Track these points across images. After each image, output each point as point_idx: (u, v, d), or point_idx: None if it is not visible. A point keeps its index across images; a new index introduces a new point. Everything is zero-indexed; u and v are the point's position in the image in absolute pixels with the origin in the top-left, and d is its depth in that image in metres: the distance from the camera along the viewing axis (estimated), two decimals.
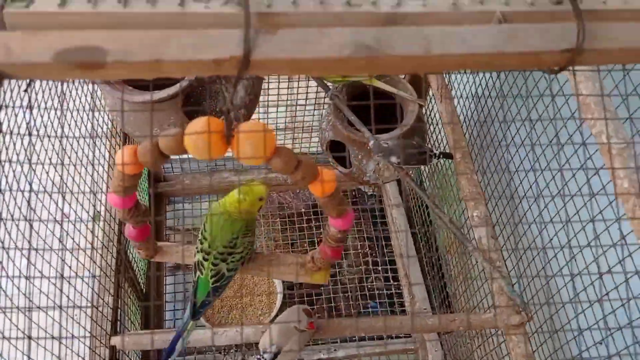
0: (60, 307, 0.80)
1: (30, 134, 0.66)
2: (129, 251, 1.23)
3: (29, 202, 0.68)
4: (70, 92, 0.90)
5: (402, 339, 1.44)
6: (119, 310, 1.07)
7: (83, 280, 0.87)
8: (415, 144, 1.10)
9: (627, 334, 0.69)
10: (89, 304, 0.94)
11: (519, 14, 0.47)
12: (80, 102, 0.97)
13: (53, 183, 0.82)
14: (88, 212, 0.94)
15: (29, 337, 0.58)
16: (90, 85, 0.99)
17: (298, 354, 0.95)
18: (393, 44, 0.45)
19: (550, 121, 0.88)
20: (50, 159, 0.80)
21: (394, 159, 1.10)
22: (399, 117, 1.20)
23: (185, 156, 1.03)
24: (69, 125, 0.96)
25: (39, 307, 0.76)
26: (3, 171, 0.67)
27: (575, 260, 0.79)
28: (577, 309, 0.78)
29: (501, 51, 0.46)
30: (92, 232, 0.93)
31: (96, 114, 1.07)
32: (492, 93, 1.14)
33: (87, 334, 0.95)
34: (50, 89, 0.83)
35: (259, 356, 0.94)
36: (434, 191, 1.55)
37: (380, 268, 1.54)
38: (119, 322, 1.06)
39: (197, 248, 0.80)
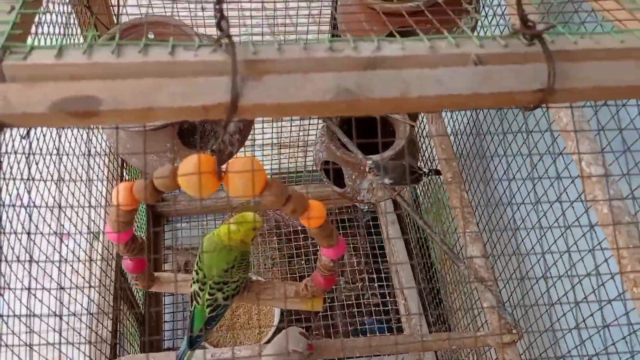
0: (60, 332, 0.82)
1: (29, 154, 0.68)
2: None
3: (28, 234, 0.70)
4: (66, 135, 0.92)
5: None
6: (118, 333, 1.09)
7: (82, 306, 0.89)
8: (406, 165, 1.13)
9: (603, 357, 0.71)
10: (88, 329, 0.96)
11: (494, 55, 0.49)
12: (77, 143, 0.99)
13: (52, 216, 0.84)
14: (87, 240, 0.96)
15: None
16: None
17: None
18: (373, 88, 0.47)
19: (528, 133, 0.90)
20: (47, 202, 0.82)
21: (386, 180, 1.12)
22: (391, 135, 1.22)
23: None
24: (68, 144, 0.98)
25: (39, 335, 0.78)
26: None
27: (555, 287, 0.81)
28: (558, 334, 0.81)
29: (476, 92, 0.48)
30: (90, 258, 0.95)
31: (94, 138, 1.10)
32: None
33: (87, 359, 0.96)
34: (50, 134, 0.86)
35: None
36: (428, 206, 1.57)
37: (376, 284, 1.56)
38: (118, 345, 1.08)
39: (193, 279, 0.81)
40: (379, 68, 0.49)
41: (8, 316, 0.77)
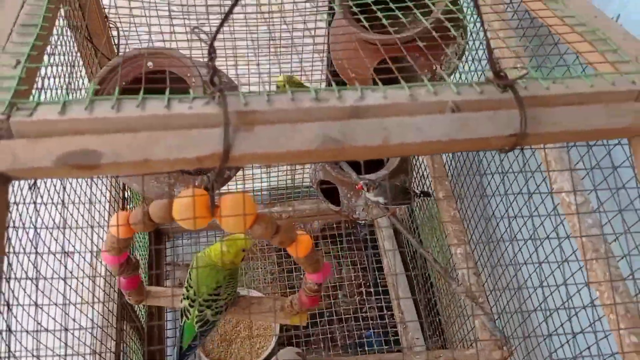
0: (65, 356, 0.85)
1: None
2: None
3: (34, 265, 0.73)
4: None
5: None
6: (122, 353, 1.12)
7: (85, 330, 0.92)
8: (399, 185, 1.16)
9: None
10: (92, 351, 0.99)
11: (470, 102, 0.53)
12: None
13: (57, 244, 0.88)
14: (90, 266, 0.99)
15: None
16: None
17: None
18: (356, 136, 0.50)
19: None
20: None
21: (380, 200, 1.16)
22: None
23: None
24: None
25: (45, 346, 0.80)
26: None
27: (547, 301, 0.84)
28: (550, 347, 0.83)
29: (454, 139, 0.51)
30: (93, 281, 0.98)
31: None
32: None
33: None
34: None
35: None
36: (423, 221, 1.60)
37: (373, 298, 1.59)
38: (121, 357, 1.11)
39: (183, 295, 0.85)
40: (362, 117, 0.52)
41: (16, 331, 0.80)
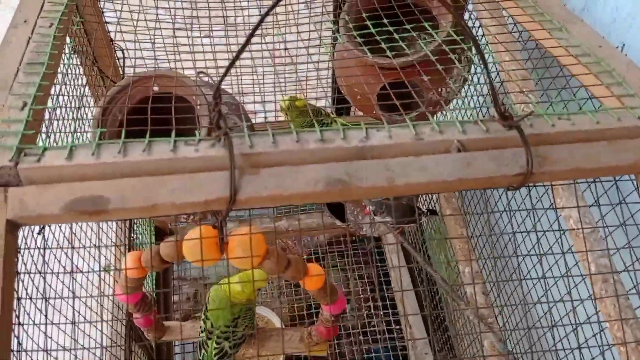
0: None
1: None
2: None
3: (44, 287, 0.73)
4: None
5: None
6: None
7: (95, 355, 0.93)
8: (405, 204, 1.16)
9: None
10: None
11: (475, 141, 0.53)
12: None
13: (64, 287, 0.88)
14: (95, 285, 1.00)
15: None
16: None
17: None
18: (362, 177, 0.50)
19: None
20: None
21: (387, 219, 1.16)
22: None
23: None
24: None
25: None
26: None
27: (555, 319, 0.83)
28: None
29: (459, 178, 0.51)
30: (100, 304, 0.99)
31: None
32: None
33: None
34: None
35: None
36: (431, 234, 1.60)
37: (381, 312, 1.59)
38: None
39: (200, 327, 0.85)
40: (367, 157, 0.52)
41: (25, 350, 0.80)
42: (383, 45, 0.79)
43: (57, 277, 0.54)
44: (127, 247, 1.23)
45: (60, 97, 0.64)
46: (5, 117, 0.53)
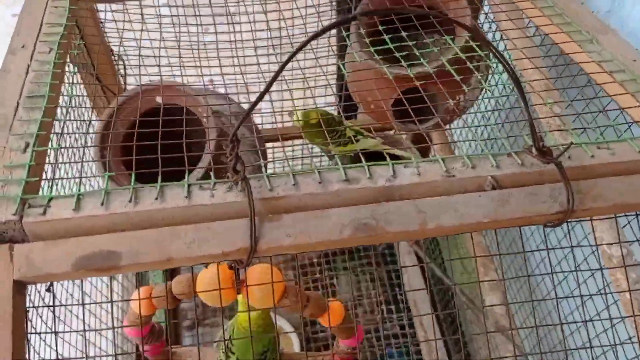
0: None
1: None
2: None
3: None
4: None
5: None
6: None
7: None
8: None
9: None
10: None
11: (509, 176, 0.49)
12: None
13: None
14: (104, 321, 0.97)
15: None
16: None
17: None
18: (390, 221, 0.47)
19: None
20: None
21: None
22: None
23: None
24: None
25: None
26: None
27: None
28: None
29: (494, 219, 0.48)
30: (106, 336, 0.96)
31: None
32: None
33: None
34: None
35: None
36: (447, 241, 1.56)
37: (394, 315, 1.57)
38: None
39: None
40: (395, 197, 0.48)
41: None
42: (397, 54, 0.75)
43: (69, 334, 0.51)
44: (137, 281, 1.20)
45: (64, 128, 0.60)
46: (7, 162, 0.50)
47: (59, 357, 0.50)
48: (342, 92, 1.46)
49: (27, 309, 0.45)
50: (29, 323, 0.45)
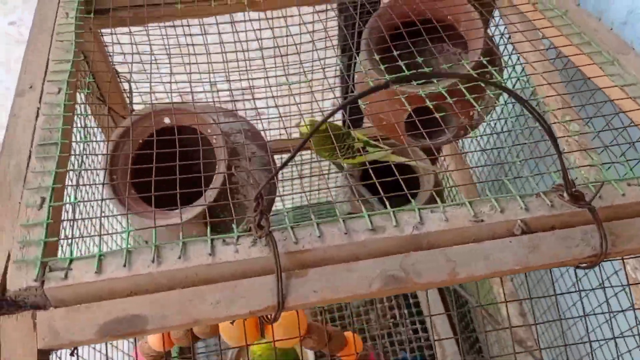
0: None
1: None
2: None
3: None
4: None
5: None
6: None
7: None
8: None
9: None
10: None
11: (540, 219, 0.48)
12: None
13: None
14: None
15: None
16: None
17: None
18: (419, 271, 0.46)
19: None
20: None
21: None
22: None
23: None
24: None
25: None
26: None
27: None
28: None
29: (525, 265, 0.46)
30: None
31: None
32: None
33: None
34: None
35: None
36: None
37: (408, 320, 1.56)
38: None
39: None
40: (423, 246, 0.47)
41: None
42: (407, 72, 0.73)
43: None
44: None
45: (79, 174, 0.59)
46: (24, 221, 0.49)
47: None
48: (348, 101, 1.45)
49: None
50: None
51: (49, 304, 0.44)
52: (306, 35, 0.98)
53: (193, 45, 0.96)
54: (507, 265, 0.46)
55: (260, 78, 1.06)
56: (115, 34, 0.91)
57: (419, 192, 1.21)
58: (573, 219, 0.48)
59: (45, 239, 0.47)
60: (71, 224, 0.51)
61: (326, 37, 0.94)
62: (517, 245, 0.47)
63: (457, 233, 0.47)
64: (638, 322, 0.56)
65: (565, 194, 0.46)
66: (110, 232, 0.65)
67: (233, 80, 0.90)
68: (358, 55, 0.90)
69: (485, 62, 0.72)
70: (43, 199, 0.51)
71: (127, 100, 1.06)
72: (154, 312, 0.44)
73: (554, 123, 0.59)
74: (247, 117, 1.18)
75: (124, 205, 0.96)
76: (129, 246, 0.46)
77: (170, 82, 0.84)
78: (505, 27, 0.85)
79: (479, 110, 0.80)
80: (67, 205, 0.52)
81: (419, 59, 0.76)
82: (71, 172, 0.56)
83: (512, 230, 0.48)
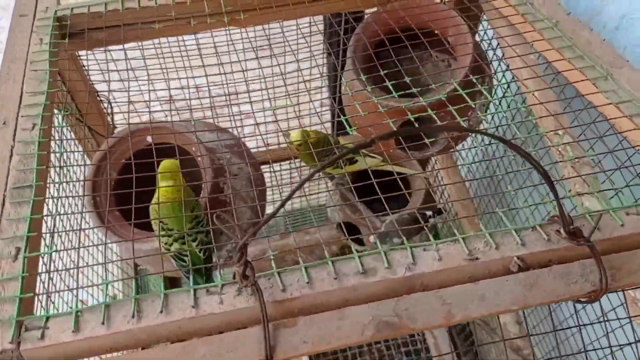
0: None
1: None
2: None
3: None
4: None
5: None
6: None
7: None
8: (409, 216, 1.08)
9: None
10: None
11: (537, 255, 0.46)
12: None
13: None
14: None
15: None
16: None
17: None
18: (414, 316, 0.44)
19: None
20: None
21: (396, 240, 1.10)
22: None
23: None
24: None
25: None
26: None
27: None
28: None
29: (523, 304, 0.45)
30: None
31: None
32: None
33: None
34: None
35: None
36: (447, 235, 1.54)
37: None
38: None
39: (166, 244, 0.77)
40: (417, 288, 0.45)
41: None
42: (393, 91, 0.71)
43: None
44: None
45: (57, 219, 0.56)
46: None
47: None
48: (336, 113, 1.43)
49: None
50: None
51: None
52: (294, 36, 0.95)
53: (184, 56, 0.94)
54: (504, 305, 0.44)
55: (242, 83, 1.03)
56: (93, 53, 0.89)
57: (411, 197, 1.20)
58: (571, 252, 0.46)
59: (20, 294, 0.45)
60: (48, 268, 0.49)
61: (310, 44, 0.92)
62: (514, 284, 0.45)
63: (451, 273, 0.46)
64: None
65: (562, 231, 0.44)
66: (89, 277, 0.63)
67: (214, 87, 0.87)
68: (343, 63, 0.88)
69: (475, 80, 0.69)
70: (18, 250, 0.48)
71: (109, 119, 1.04)
72: None
73: (550, 147, 0.58)
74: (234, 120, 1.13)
75: (109, 231, 0.94)
76: (107, 299, 0.44)
77: (148, 98, 0.81)
78: (497, 43, 0.82)
79: (463, 125, 0.78)
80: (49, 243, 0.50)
81: (402, 68, 0.73)
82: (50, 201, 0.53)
83: (509, 267, 0.46)
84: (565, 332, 0.94)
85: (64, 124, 0.82)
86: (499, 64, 0.77)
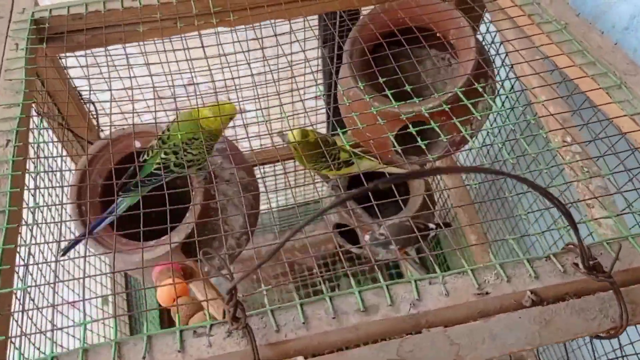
0: None
1: None
2: None
3: None
4: None
5: None
6: None
7: None
8: (409, 225, 1.05)
9: None
10: None
11: (552, 289, 0.42)
12: None
13: None
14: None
15: None
16: None
17: None
18: (420, 358, 0.40)
19: None
20: None
21: (392, 247, 1.07)
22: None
23: None
24: None
25: None
26: None
27: None
28: None
29: (537, 344, 0.41)
30: None
31: None
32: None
33: None
34: None
35: None
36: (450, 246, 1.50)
37: None
38: None
39: (155, 143, 0.77)
40: (422, 326, 0.42)
41: None
42: (393, 100, 0.67)
43: None
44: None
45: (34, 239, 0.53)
46: None
47: None
48: (331, 113, 1.38)
49: None
50: None
51: None
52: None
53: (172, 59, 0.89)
54: (517, 345, 0.41)
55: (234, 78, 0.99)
56: (75, 56, 0.84)
57: (410, 199, 1.16)
58: (588, 285, 0.43)
59: None
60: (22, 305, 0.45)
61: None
62: (527, 321, 0.41)
63: (459, 309, 0.42)
64: None
65: (580, 265, 0.40)
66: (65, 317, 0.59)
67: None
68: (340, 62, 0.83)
69: (479, 88, 0.65)
70: None
71: (94, 123, 0.99)
72: None
73: (563, 164, 0.54)
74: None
75: (99, 244, 0.90)
76: (85, 344, 0.40)
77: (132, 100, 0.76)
78: (501, 43, 0.78)
79: (464, 132, 0.74)
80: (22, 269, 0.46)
81: (402, 75, 0.69)
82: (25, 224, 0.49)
83: (521, 302, 0.42)
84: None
85: (43, 137, 0.78)
86: (505, 70, 0.73)
